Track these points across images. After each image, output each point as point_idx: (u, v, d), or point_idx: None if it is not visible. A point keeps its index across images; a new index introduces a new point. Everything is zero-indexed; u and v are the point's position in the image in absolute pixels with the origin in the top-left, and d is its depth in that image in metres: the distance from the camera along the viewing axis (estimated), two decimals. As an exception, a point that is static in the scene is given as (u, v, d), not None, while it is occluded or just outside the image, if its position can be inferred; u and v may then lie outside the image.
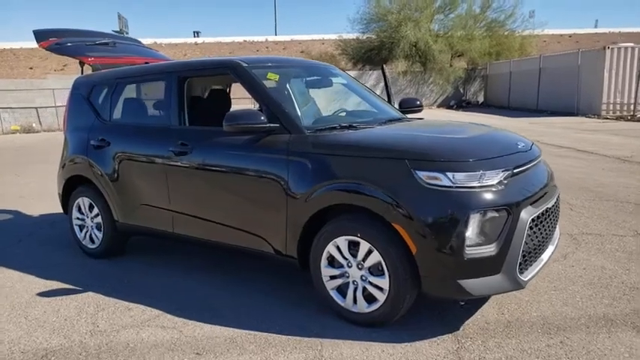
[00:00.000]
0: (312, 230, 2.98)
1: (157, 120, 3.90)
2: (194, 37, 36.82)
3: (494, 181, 2.62)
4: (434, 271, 2.59)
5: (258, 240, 3.23)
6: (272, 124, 3.09)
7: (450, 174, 2.57)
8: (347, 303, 2.91)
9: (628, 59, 17.47)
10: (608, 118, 16.57)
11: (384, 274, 2.72)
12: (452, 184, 2.56)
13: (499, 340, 2.68)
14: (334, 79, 4.04)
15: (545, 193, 2.95)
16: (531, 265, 2.80)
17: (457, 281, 2.56)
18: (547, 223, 2.92)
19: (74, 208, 4.38)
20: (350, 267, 2.86)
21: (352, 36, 29.10)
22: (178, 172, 3.55)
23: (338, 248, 2.87)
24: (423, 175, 2.59)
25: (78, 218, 4.39)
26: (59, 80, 19.82)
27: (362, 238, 2.75)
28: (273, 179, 3.05)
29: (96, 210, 4.19)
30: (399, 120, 3.69)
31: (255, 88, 3.32)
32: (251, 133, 3.15)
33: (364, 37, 28.25)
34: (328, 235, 2.89)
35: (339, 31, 29.87)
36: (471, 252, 2.53)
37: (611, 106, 17.56)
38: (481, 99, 28.17)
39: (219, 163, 3.33)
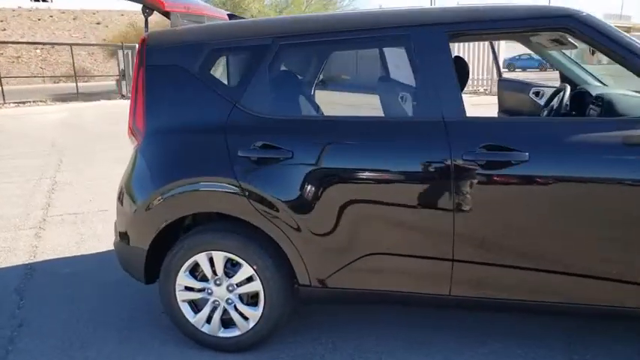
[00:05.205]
0: None
1: (397, 108, 2.28)
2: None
3: None
4: None
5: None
6: None
7: None
8: None
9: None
10: (466, 93, 17.92)
11: None
12: None
13: None
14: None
15: None
16: None
17: None
18: None
19: (182, 271, 2.42)
20: None
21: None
22: (492, 195, 2.09)
23: None
24: None
25: (190, 288, 2.44)
26: None
27: None
28: None
29: (247, 270, 2.34)
30: None
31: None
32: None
33: (199, 10, 25.93)
34: None
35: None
36: None
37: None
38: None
39: (609, 176, 2.00)
